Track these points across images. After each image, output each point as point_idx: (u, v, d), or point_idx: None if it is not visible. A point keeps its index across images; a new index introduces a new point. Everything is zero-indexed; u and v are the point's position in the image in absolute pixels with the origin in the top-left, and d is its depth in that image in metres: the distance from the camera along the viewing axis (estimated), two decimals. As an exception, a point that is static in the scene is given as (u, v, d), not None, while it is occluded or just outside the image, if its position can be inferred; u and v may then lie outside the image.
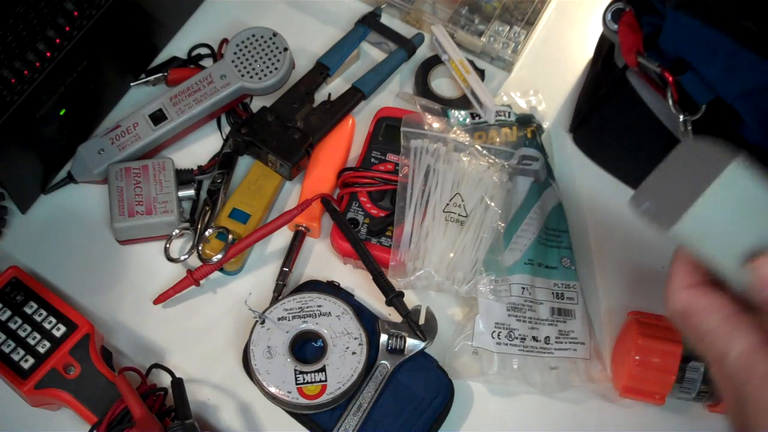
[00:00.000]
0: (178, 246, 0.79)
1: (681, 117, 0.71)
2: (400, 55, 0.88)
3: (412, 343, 0.74)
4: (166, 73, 0.86)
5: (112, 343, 0.76)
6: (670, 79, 0.70)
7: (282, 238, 0.80)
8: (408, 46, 0.89)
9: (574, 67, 0.90)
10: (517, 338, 0.74)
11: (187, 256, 0.78)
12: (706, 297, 0.45)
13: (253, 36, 0.85)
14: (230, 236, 0.77)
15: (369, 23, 0.90)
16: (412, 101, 0.85)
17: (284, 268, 0.78)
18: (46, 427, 0.73)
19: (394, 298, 0.75)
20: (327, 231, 0.81)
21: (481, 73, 0.88)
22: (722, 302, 0.45)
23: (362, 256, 0.76)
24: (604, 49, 0.82)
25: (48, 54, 0.73)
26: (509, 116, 0.84)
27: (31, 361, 0.71)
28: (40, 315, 0.72)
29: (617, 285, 0.81)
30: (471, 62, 0.87)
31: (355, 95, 0.85)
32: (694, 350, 0.50)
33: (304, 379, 0.71)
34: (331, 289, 0.77)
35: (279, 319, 0.73)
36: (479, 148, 0.81)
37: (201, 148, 0.84)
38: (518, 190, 0.80)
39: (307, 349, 0.74)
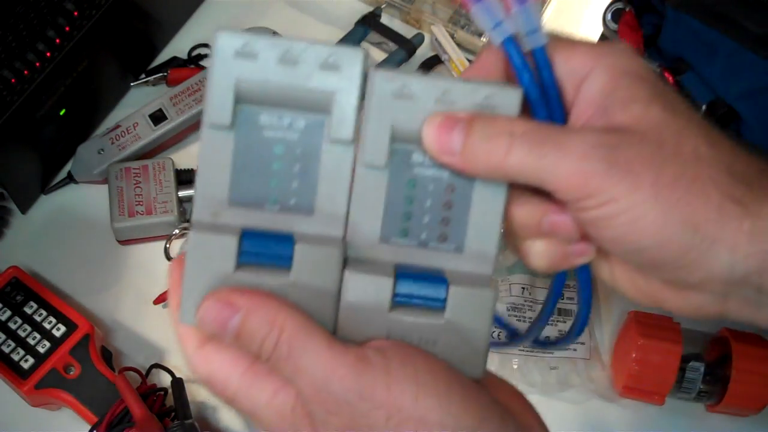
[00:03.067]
0: (178, 246, 0.79)
1: (681, 117, 0.71)
2: (400, 55, 0.88)
3: (412, 343, 0.74)
4: (166, 73, 0.86)
5: (112, 343, 0.76)
6: (670, 79, 0.70)
7: (282, 238, 0.80)
8: (408, 46, 0.89)
9: (574, 67, 0.90)
10: (517, 338, 0.74)
11: (187, 256, 0.77)
12: (218, 354, 0.40)
13: (253, 36, 0.85)
14: (230, 236, 0.76)
15: (369, 23, 0.90)
16: (412, 101, 0.85)
17: (284, 268, 0.78)
18: (46, 427, 0.72)
19: (394, 298, 0.75)
20: (327, 231, 0.80)
21: (481, 73, 0.87)
22: (234, 356, 0.39)
23: (362, 256, 0.76)
24: (604, 49, 0.82)
25: (48, 54, 0.73)
26: (509, 116, 0.84)
27: (31, 361, 0.71)
28: (40, 315, 0.72)
29: (617, 285, 0.80)
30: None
31: (355, 95, 0.85)
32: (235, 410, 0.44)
33: (304, 379, 0.71)
34: (331, 289, 0.77)
35: (279, 319, 0.73)
36: (479, 148, 0.81)
37: (201, 148, 0.84)
38: (518, 190, 0.80)
39: (307, 349, 0.73)
